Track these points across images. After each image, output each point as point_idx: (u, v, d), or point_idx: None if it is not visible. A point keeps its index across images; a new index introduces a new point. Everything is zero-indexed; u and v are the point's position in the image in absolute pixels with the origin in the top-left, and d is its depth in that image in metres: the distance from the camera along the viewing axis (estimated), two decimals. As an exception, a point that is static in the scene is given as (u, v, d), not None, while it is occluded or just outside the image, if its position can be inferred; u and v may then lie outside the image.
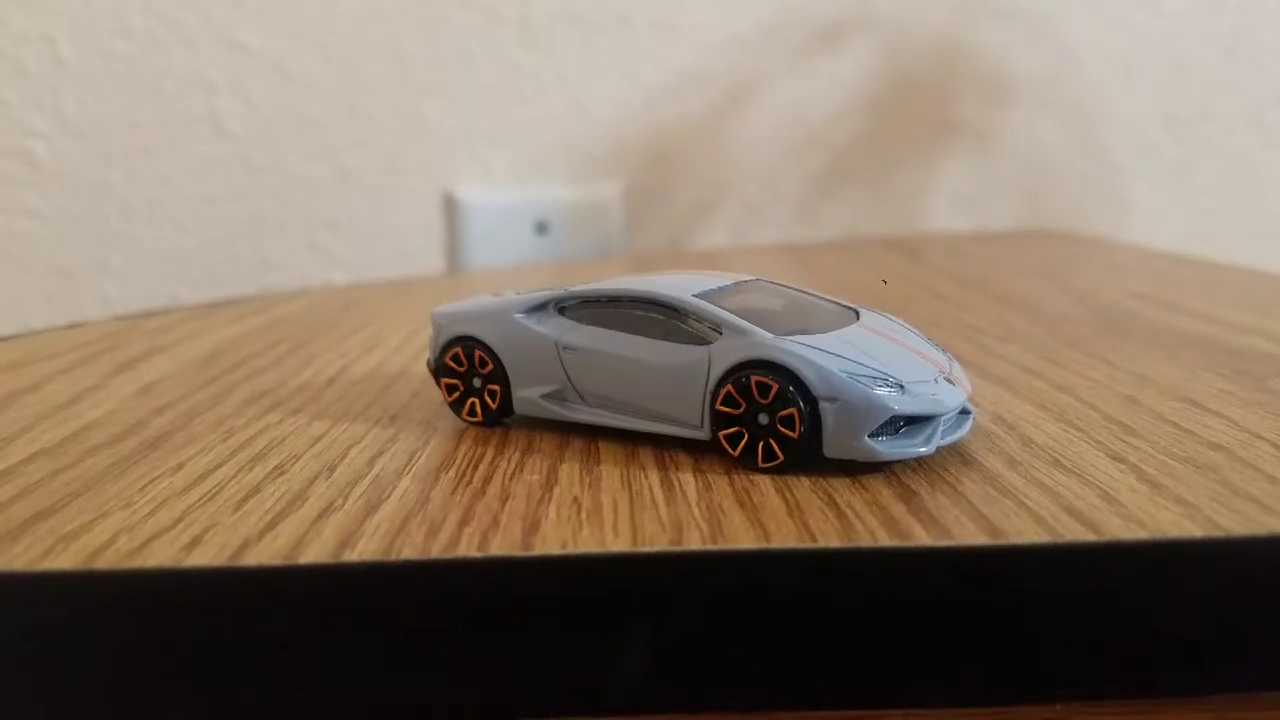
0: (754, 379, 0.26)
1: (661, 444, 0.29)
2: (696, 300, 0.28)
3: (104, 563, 0.21)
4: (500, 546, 0.22)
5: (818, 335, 0.27)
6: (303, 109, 0.75)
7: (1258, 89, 0.93)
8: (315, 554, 0.21)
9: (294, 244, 0.76)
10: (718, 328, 0.28)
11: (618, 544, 0.22)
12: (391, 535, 0.22)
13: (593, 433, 0.30)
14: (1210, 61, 0.91)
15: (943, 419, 0.27)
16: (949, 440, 0.27)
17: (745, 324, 0.27)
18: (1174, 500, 0.24)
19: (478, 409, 0.31)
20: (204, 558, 0.21)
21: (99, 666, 0.21)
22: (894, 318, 0.31)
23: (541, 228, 0.81)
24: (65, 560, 0.22)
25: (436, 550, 0.22)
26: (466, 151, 0.80)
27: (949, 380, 0.28)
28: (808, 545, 0.22)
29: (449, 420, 0.32)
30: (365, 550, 0.22)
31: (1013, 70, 0.90)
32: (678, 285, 0.29)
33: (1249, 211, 0.94)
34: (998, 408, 0.32)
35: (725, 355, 0.27)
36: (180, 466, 0.27)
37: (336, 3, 0.74)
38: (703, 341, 0.28)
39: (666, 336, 0.28)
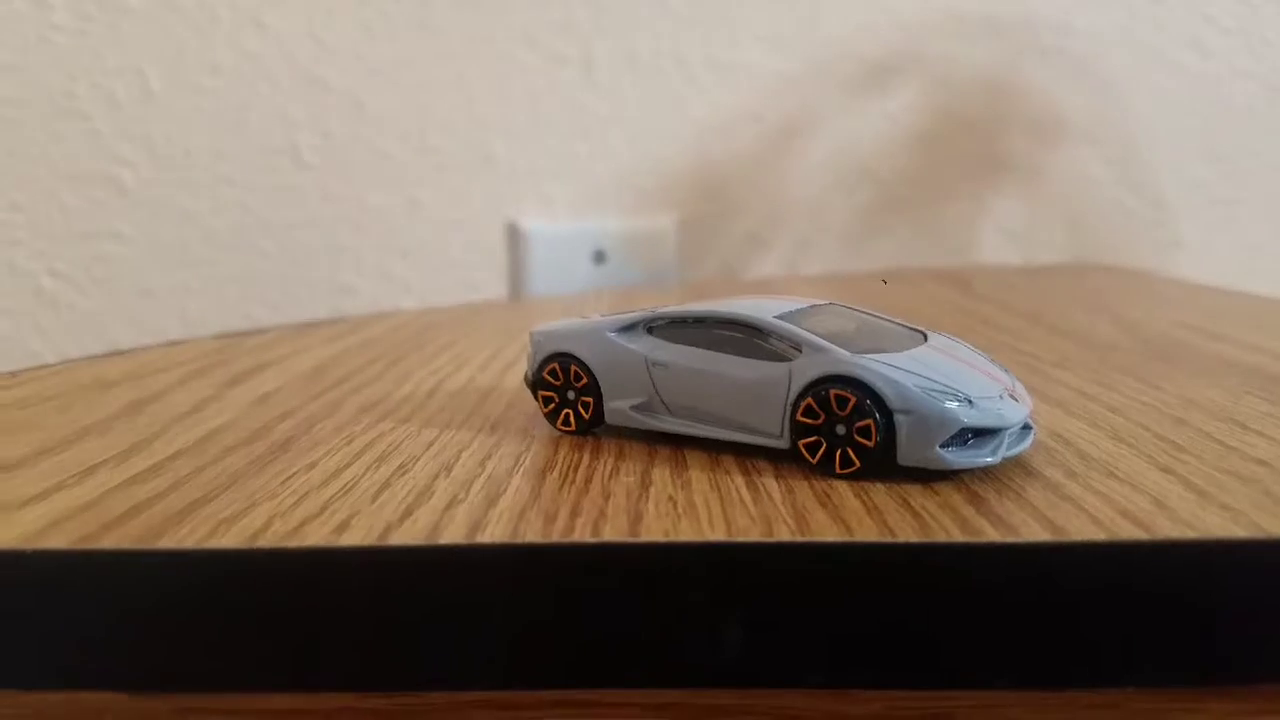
0: (833, 393, 0.29)
1: (743, 452, 0.31)
2: (778, 321, 0.31)
3: (265, 543, 0.24)
4: (610, 535, 0.24)
5: (891, 354, 0.30)
6: (377, 142, 0.79)
7: (1303, 128, 0.94)
8: (451, 537, 0.24)
9: (367, 270, 0.80)
10: (798, 346, 0.30)
11: (715, 535, 0.25)
12: (514, 523, 0.25)
13: (678, 442, 0.33)
14: (1256, 100, 0.93)
15: (1007, 432, 0.29)
16: (1013, 452, 0.29)
17: (824, 343, 0.30)
18: (1220, 507, 0.26)
19: (572, 419, 0.34)
20: (354, 539, 0.24)
21: (259, 638, 0.24)
22: (959, 339, 0.33)
23: (599, 257, 0.85)
24: (230, 540, 0.25)
25: (556, 536, 0.24)
26: (529, 184, 0.83)
27: (1013, 397, 0.30)
28: (889, 540, 0.24)
29: (544, 429, 0.34)
30: (494, 534, 0.24)
31: (1060, 108, 0.92)
32: (758, 308, 0.32)
33: (1295, 249, 0.95)
34: (1055, 426, 0.34)
35: (805, 371, 0.30)
36: (313, 465, 0.30)
37: (411, 43, 0.78)
38: (783, 359, 0.30)
39: (749, 354, 0.31)
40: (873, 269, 0.91)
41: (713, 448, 0.32)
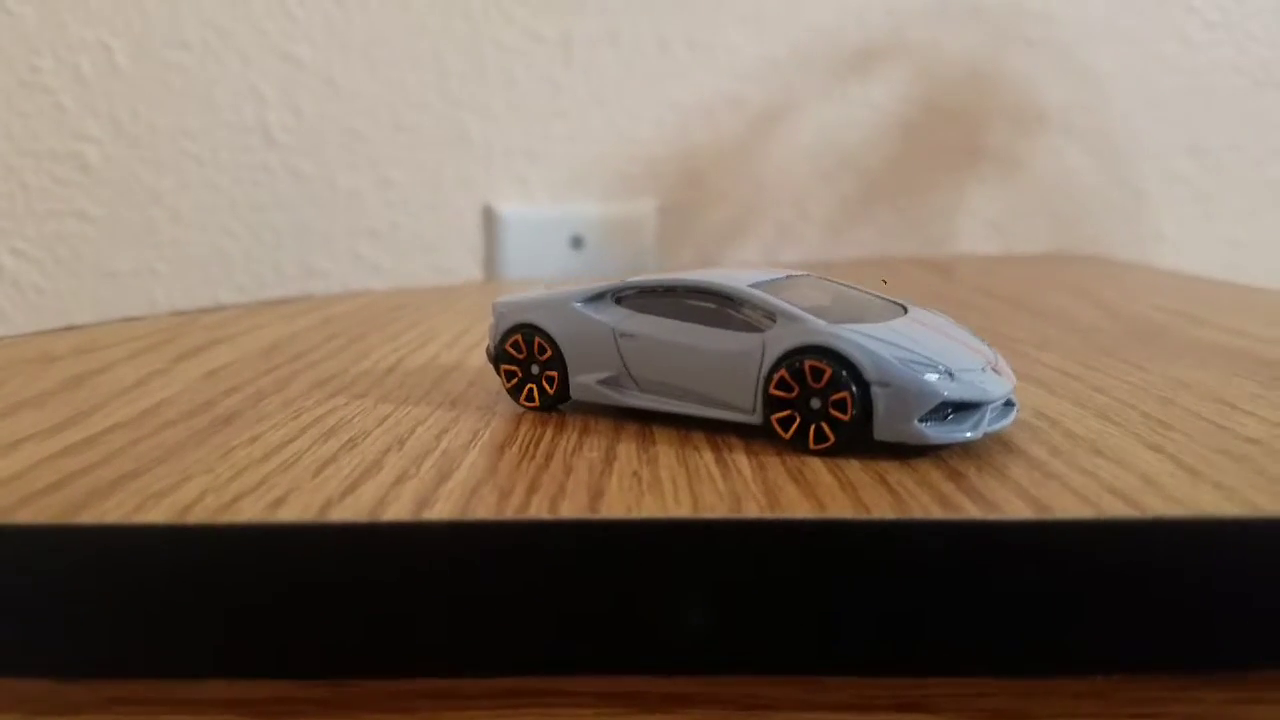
0: (808, 364, 0.27)
1: (714, 429, 0.30)
2: (751, 289, 0.29)
3: (194, 518, 0.23)
4: (569, 512, 0.23)
5: (869, 324, 0.28)
6: (349, 121, 0.77)
7: (1287, 119, 0.93)
8: (395, 513, 0.23)
9: (338, 252, 0.78)
10: (772, 316, 0.29)
11: (679, 511, 0.23)
12: (465, 499, 0.24)
13: (647, 418, 0.31)
14: (1239, 92, 0.92)
15: (989, 407, 0.28)
16: (994, 428, 0.28)
17: (799, 312, 0.28)
18: (1212, 485, 0.25)
19: (535, 394, 0.32)
20: (290, 515, 0.23)
21: (188, 621, 0.23)
22: (941, 313, 0.32)
23: (576, 242, 0.83)
24: (157, 515, 0.23)
25: (510, 513, 0.23)
26: (506, 167, 0.82)
27: (995, 371, 0.29)
28: (864, 516, 0.23)
29: (507, 405, 0.33)
30: (442, 511, 0.23)
31: (1042, 98, 0.91)
32: (731, 277, 0.30)
33: (1277, 242, 0.95)
34: (1039, 405, 0.33)
35: (779, 341, 0.28)
36: (255, 439, 0.29)
37: (385, 20, 0.76)
38: (756, 329, 0.29)
39: (721, 324, 0.29)
40: (853, 257, 0.90)
41: (683, 424, 0.30)
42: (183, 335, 0.45)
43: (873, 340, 0.27)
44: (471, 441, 0.29)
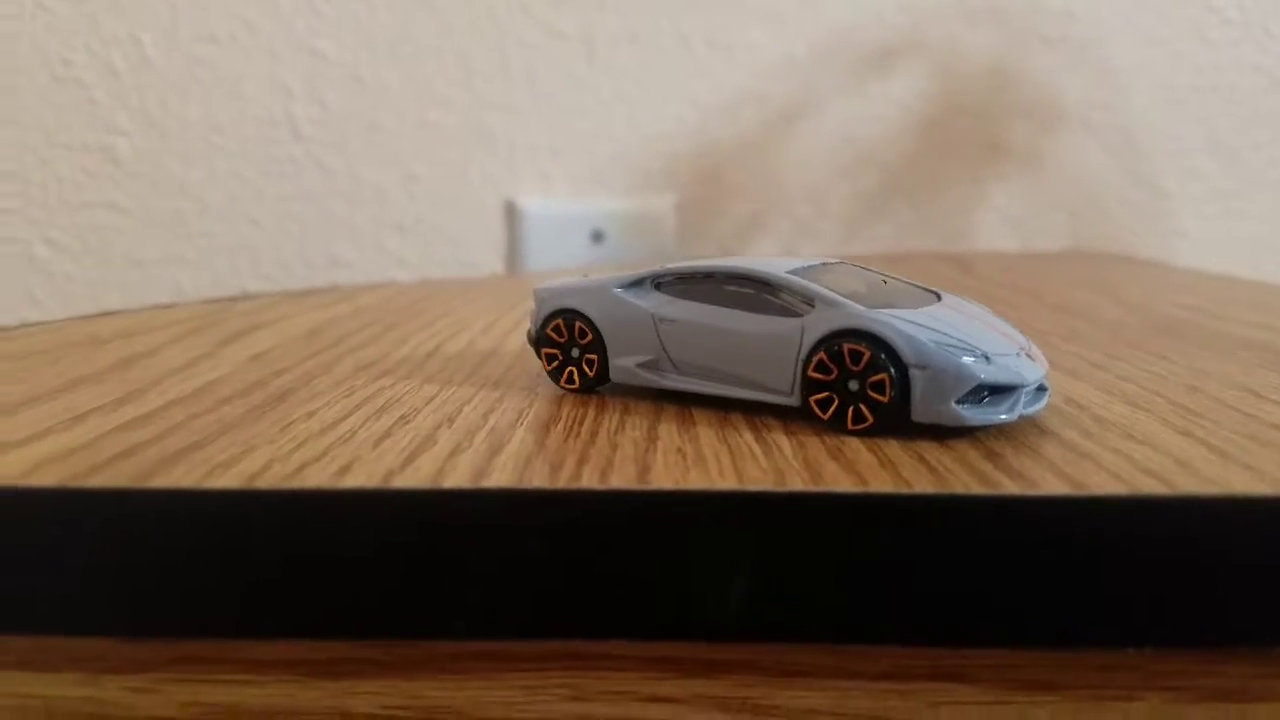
0: (846, 346, 0.28)
1: (752, 410, 0.31)
2: (790, 275, 0.30)
3: (264, 484, 0.23)
4: (619, 483, 0.24)
5: (906, 309, 0.29)
6: (375, 116, 0.78)
7: (1307, 118, 0.94)
8: (455, 482, 0.24)
9: (363, 244, 0.79)
10: (810, 301, 0.30)
11: (725, 484, 0.24)
12: (520, 470, 0.25)
13: (685, 400, 0.32)
14: (1259, 91, 0.92)
15: (1023, 391, 0.28)
16: (1029, 411, 0.29)
17: (838, 297, 0.29)
18: (1242, 466, 0.26)
19: (575, 377, 0.33)
20: (356, 482, 0.24)
21: (256, 583, 0.24)
22: (974, 301, 0.33)
23: (597, 236, 0.84)
24: (227, 481, 0.24)
25: (563, 483, 0.24)
26: (528, 162, 0.82)
27: (1029, 356, 0.29)
28: (906, 490, 0.24)
29: (548, 387, 0.34)
30: (499, 480, 0.24)
31: (1062, 96, 0.92)
32: (769, 264, 0.31)
33: (1298, 241, 0.95)
34: (1068, 391, 0.34)
35: (818, 325, 0.29)
36: (312, 414, 0.30)
37: (410, 16, 0.77)
38: (794, 314, 0.30)
39: (759, 309, 0.30)
40: (871, 253, 0.90)
41: (721, 405, 0.31)
42: (220, 321, 0.46)
43: (910, 324, 0.28)
44: (518, 420, 0.30)
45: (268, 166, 0.76)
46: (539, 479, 0.24)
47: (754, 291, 0.31)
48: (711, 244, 0.89)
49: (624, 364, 0.32)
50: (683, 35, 0.85)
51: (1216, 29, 0.92)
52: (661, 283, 0.32)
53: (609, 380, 0.33)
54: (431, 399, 0.32)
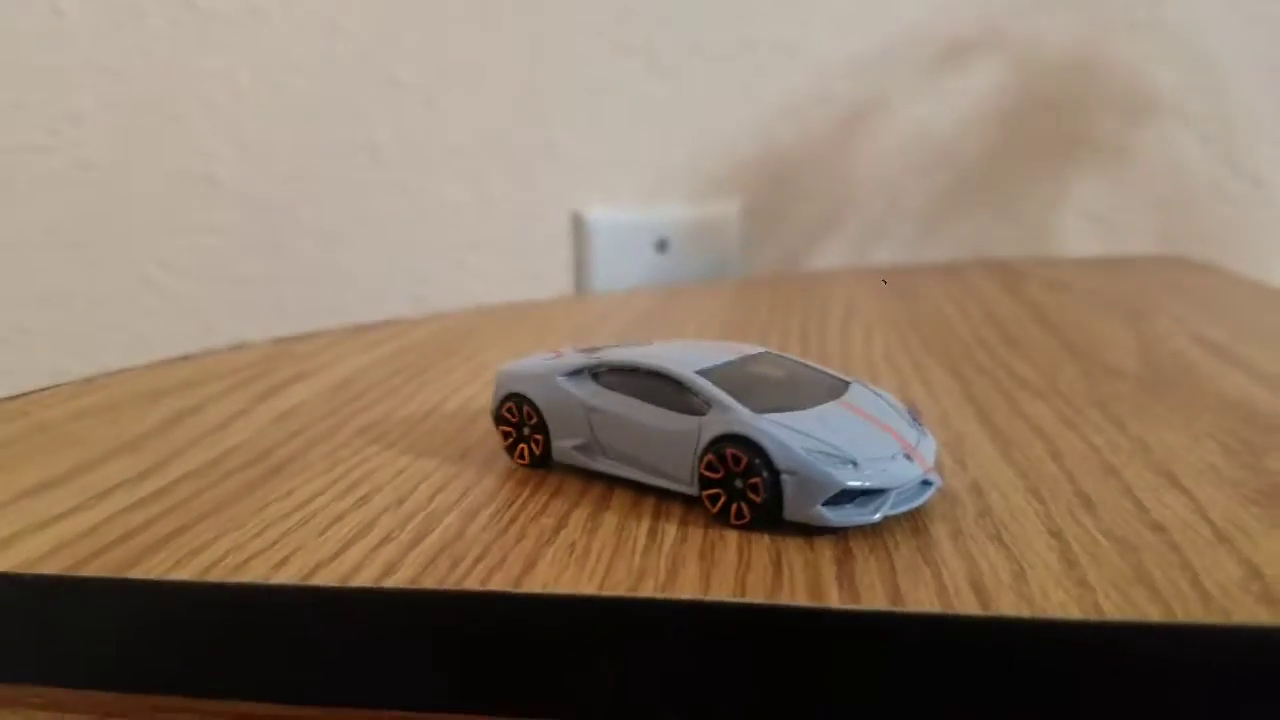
0: (729, 451, 0.31)
1: (665, 495, 0.34)
2: (695, 376, 0.33)
3: (214, 576, 0.29)
4: (497, 582, 0.28)
5: (792, 413, 0.32)
6: (448, 138, 0.83)
7: None
8: (364, 578, 0.28)
9: (442, 262, 0.85)
10: (709, 402, 0.33)
11: (585, 587, 0.28)
12: (424, 566, 0.29)
13: (612, 481, 0.36)
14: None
15: (894, 492, 0.31)
16: (901, 510, 0.31)
17: (730, 401, 0.32)
18: (1077, 582, 0.28)
19: (526, 454, 0.37)
20: (285, 575, 0.29)
21: (193, 662, 0.29)
22: (881, 392, 0.35)
23: (661, 245, 0.87)
24: (185, 573, 0.29)
25: (451, 581, 0.28)
26: (593, 174, 0.86)
27: (908, 456, 0.32)
28: (713, 598, 0.27)
29: (503, 461, 0.38)
30: (401, 578, 0.28)
31: (1152, 83, 0.88)
32: (690, 359, 0.35)
33: None
34: (986, 471, 0.36)
35: (711, 427, 0.32)
36: (290, 492, 0.35)
37: (479, 41, 0.82)
38: (697, 413, 0.33)
39: (670, 405, 0.34)
40: (948, 257, 0.90)
41: (640, 489, 0.35)
42: (274, 368, 0.52)
43: (786, 431, 0.31)
44: (458, 501, 0.34)
45: (352, 189, 0.83)
46: (431, 577, 0.28)
47: (667, 388, 0.34)
48: (778, 249, 0.90)
49: (563, 445, 0.36)
50: (747, 40, 0.87)
51: (1324, 6, 0.86)
52: (597, 373, 0.36)
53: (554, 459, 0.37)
54: (399, 474, 0.37)
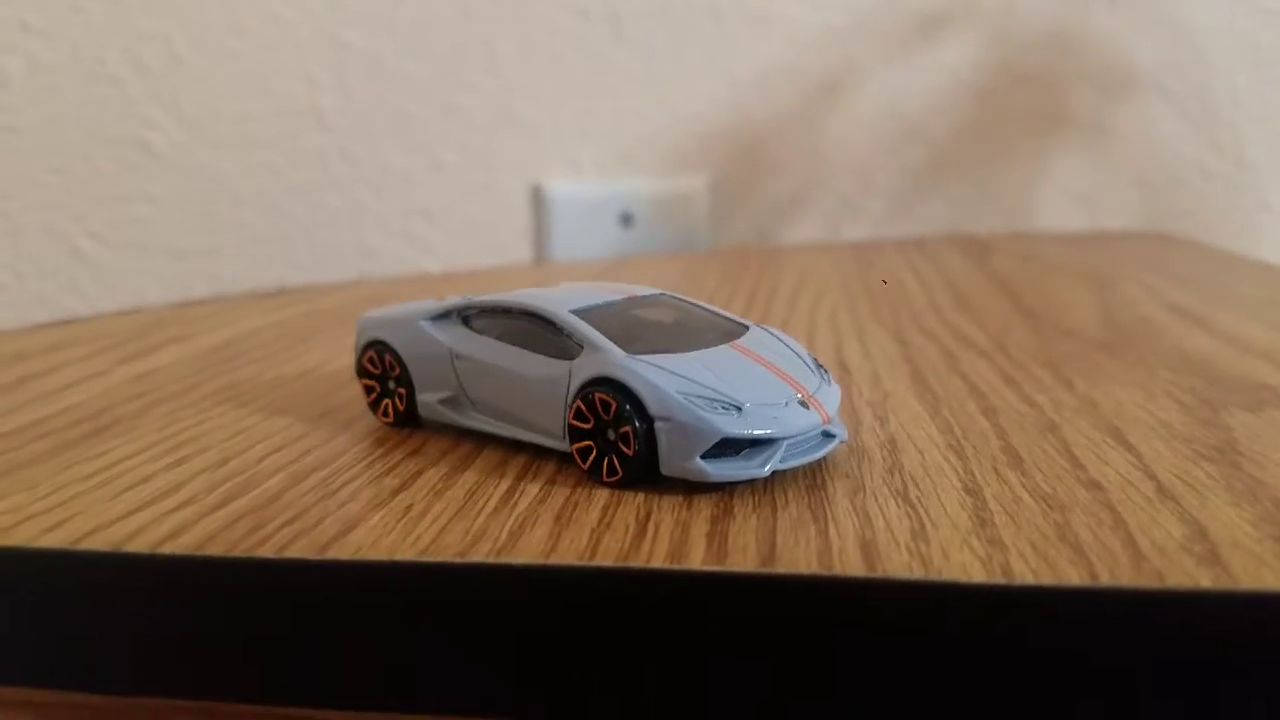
0: (597, 396, 0.27)
1: (540, 453, 0.30)
2: (567, 315, 0.29)
3: (-23, 539, 0.24)
4: (300, 549, 0.24)
5: (673, 355, 0.28)
6: (400, 103, 0.79)
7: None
8: (140, 544, 0.24)
9: (390, 232, 0.81)
10: (581, 344, 0.28)
11: (404, 552, 0.23)
12: (217, 531, 0.25)
13: (485, 439, 0.31)
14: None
15: (786, 442, 0.27)
16: (795, 464, 0.27)
17: (603, 341, 0.28)
18: (987, 541, 0.23)
19: (390, 411, 0.33)
20: (54, 539, 0.24)
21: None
22: (784, 336, 0.31)
23: (626, 219, 0.83)
24: (-47, 533, 0.25)
25: (242, 548, 0.24)
26: (555, 145, 0.82)
27: (804, 404, 0.27)
28: (557, 562, 0.22)
29: (368, 421, 0.34)
30: (183, 544, 0.24)
31: (1130, 58, 0.85)
32: (566, 299, 0.30)
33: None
34: (905, 429, 0.32)
35: (581, 371, 0.28)
36: (103, 454, 0.31)
37: (433, 3, 0.78)
38: (568, 356, 0.29)
39: (541, 349, 0.29)
40: (922, 233, 0.86)
41: (515, 447, 0.30)
42: (156, 331, 0.48)
43: (661, 373, 0.27)
44: (293, 462, 0.30)
45: (296, 156, 0.78)
46: (220, 543, 0.24)
47: (539, 329, 0.30)
48: (746, 224, 0.86)
49: (428, 399, 0.32)
50: (714, 9, 0.83)
51: (1311, -24, 0.83)
52: (467, 315, 0.32)
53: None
54: (237, 434, 0.32)
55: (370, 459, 0.30)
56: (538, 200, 0.82)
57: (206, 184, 0.77)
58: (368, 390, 0.33)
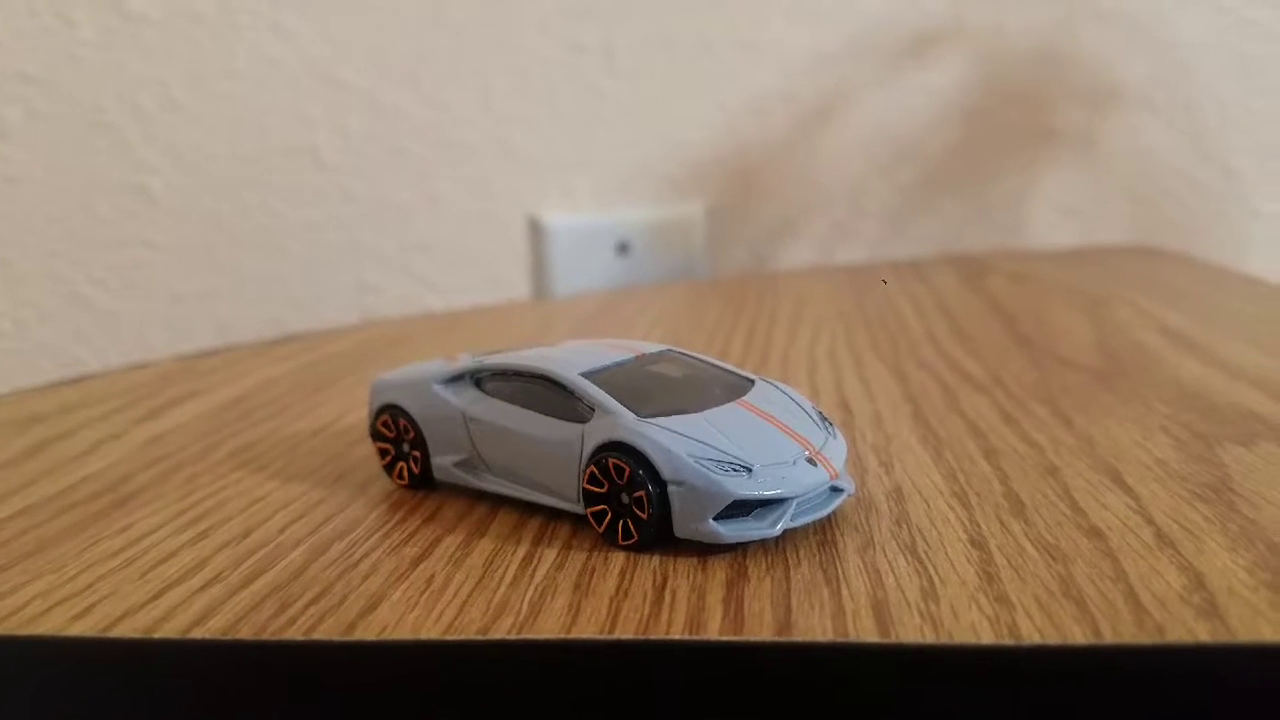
0: (611, 461, 0.28)
1: (553, 515, 0.31)
2: (578, 379, 0.30)
3: (7, 627, 0.25)
4: (327, 629, 0.24)
5: (683, 416, 0.28)
6: (395, 139, 0.79)
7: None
8: (170, 629, 0.25)
9: (390, 268, 0.81)
10: (592, 407, 0.29)
11: (429, 631, 0.24)
12: (245, 612, 0.25)
13: (500, 500, 0.32)
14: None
15: (796, 500, 0.27)
16: (805, 521, 0.28)
17: (615, 404, 0.29)
18: (995, 599, 0.24)
19: (405, 473, 0.33)
20: (83, 626, 0.25)
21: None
22: (788, 389, 0.31)
23: (623, 248, 0.83)
24: (-16, 621, 0.25)
25: (271, 630, 0.24)
26: (551, 176, 0.83)
27: (811, 461, 0.28)
28: (567, 637, 0.23)
29: (384, 483, 0.34)
30: (213, 628, 0.25)
31: (1119, 73, 0.86)
32: (577, 361, 0.31)
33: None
34: (910, 475, 0.32)
35: (594, 435, 0.28)
36: (128, 528, 0.31)
37: (426, 38, 0.78)
38: (580, 419, 0.29)
39: (552, 412, 0.30)
40: (916, 254, 0.87)
41: (529, 509, 0.31)
42: (166, 388, 0.48)
43: (673, 436, 0.27)
44: (314, 532, 0.30)
45: (294, 196, 0.79)
46: (250, 626, 0.25)
47: (550, 393, 0.30)
48: (743, 250, 0.87)
49: (442, 462, 0.33)
50: (705, 38, 0.84)
51: (1294, -12, 0.84)
52: (479, 379, 0.32)
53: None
54: (256, 501, 0.33)
55: (388, 526, 0.31)
56: (535, 231, 0.82)
57: (205, 226, 0.78)
58: (382, 453, 0.34)
